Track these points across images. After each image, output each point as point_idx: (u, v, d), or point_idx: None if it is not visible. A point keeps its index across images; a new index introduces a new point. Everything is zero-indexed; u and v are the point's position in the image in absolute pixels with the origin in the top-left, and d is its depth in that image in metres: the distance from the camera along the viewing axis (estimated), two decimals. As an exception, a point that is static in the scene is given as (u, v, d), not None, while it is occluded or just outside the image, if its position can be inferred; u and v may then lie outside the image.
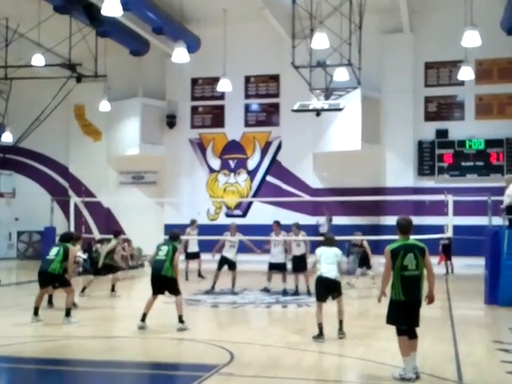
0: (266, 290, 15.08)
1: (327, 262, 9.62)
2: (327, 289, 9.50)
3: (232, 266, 15.32)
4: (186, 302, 13.31)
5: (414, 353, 7.04)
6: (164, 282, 10.12)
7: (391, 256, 7.02)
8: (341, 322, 9.56)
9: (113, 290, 14.53)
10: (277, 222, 15.55)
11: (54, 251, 11.00)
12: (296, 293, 14.59)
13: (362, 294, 15.23)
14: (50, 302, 12.35)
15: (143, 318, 10.08)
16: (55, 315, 11.34)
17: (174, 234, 10.74)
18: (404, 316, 6.97)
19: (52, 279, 10.91)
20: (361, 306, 13.21)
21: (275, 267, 15.11)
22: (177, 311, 10.06)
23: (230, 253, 15.34)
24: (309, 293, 14.19)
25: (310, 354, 8.48)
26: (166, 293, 10.29)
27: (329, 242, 10.12)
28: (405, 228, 7.18)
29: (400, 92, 23.83)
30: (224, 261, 15.32)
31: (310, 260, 14.29)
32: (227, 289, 15.18)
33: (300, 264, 14.66)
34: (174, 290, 10.19)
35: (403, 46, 24.01)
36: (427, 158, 24.10)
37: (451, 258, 20.61)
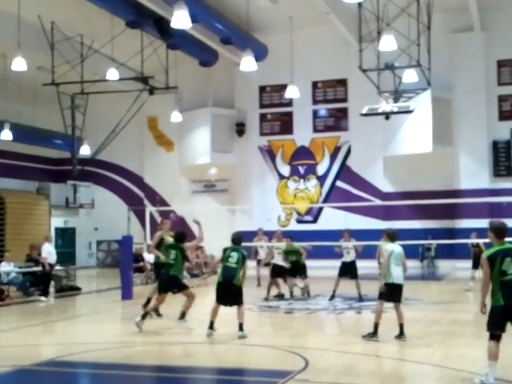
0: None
1: (397, 262, 9.45)
2: (394, 292, 9.42)
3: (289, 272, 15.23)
4: (260, 309, 13.44)
5: None
6: (232, 291, 10.00)
7: (489, 263, 6.74)
8: (401, 326, 9.44)
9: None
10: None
11: (172, 255, 10.82)
12: (332, 297, 14.47)
13: (436, 300, 14.91)
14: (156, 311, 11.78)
15: (211, 326, 10.06)
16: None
17: (237, 237, 10.42)
18: (503, 321, 6.73)
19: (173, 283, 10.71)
20: (436, 311, 12.94)
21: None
22: (239, 319, 9.94)
23: (280, 260, 15.24)
24: (360, 299, 14.09)
25: (387, 361, 8.40)
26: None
27: (394, 237, 9.80)
28: (502, 232, 6.88)
29: (472, 91, 23.28)
30: (278, 269, 15.16)
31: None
32: (299, 295, 15.20)
33: (350, 270, 14.52)
34: (240, 300, 10.05)
35: (474, 45, 23.47)
36: (503, 159, 23.40)
37: None
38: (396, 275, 9.38)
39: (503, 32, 23.18)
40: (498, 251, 6.73)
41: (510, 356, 8.23)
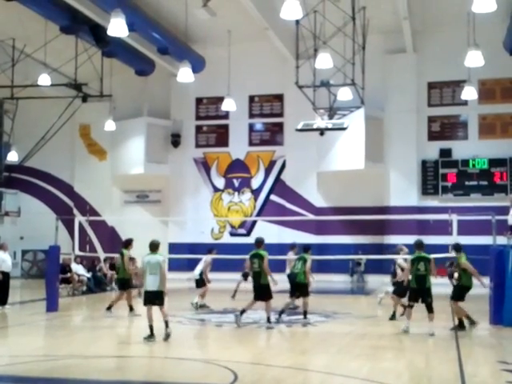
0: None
1: (151, 272, 10.48)
2: (150, 299, 10.58)
3: None
4: (190, 322, 13.28)
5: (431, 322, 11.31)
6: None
7: (411, 263, 11.52)
8: (166, 323, 10.50)
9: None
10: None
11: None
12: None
13: (366, 314, 15.16)
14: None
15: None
16: (61, 334, 11.33)
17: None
18: (415, 296, 11.47)
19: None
20: (365, 325, 13.15)
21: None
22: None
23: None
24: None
25: (315, 375, 8.43)
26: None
27: (154, 248, 10.74)
28: (418, 245, 11.61)
29: (403, 111, 23.95)
30: None
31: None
32: (231, 308, 15.14)
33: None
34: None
35: (406, 66, 24.18)
36: (431, 178, 24.13)
37: None
38: (149, 283, 10.53)
39: (434, 55, 24.01)
40: (416, 257, 11.51)
41: (434, 368, 8.44)
